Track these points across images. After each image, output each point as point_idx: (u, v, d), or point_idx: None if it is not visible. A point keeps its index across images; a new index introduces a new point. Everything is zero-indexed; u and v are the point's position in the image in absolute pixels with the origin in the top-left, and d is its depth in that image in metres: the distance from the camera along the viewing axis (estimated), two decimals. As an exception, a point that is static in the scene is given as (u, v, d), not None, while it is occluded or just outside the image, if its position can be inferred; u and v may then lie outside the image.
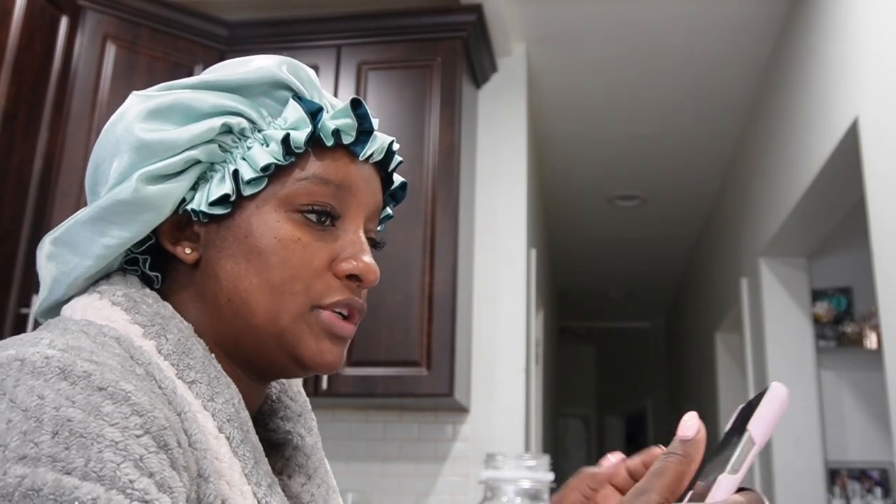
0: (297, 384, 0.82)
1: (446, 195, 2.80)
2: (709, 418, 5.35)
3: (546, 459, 0.40)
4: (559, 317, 7.24)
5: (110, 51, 2.77)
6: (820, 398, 3.67)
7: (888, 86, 2.31)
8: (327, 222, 0.69)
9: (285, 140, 0.67)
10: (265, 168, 0.67)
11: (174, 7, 2.91)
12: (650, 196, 5.10)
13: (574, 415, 8.84)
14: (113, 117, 0.70)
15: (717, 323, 5.07)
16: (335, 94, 2.90)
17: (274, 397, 0.78)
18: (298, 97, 0.70)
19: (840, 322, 3.88)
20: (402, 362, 2.66)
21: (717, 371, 5.05)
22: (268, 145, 0.68)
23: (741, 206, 4.33)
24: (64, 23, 2.66)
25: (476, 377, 3.08)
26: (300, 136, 0.68)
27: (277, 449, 0.75)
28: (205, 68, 3.24)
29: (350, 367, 2.68)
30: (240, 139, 0.69)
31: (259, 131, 0.69)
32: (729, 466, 0.49)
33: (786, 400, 0.51)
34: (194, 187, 0.68)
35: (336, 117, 0.70)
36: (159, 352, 0.64)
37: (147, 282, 0.72)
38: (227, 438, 0.63)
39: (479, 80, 3.32)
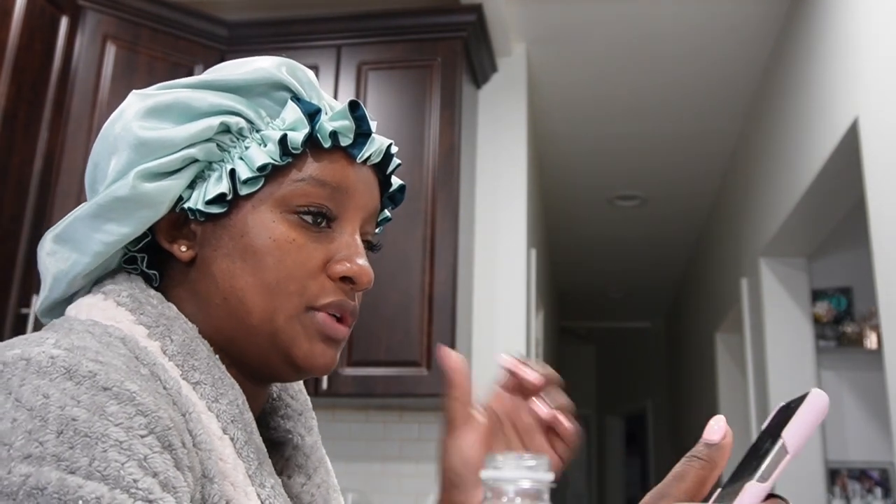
0: (297, 382, 0.82)
1: (446, 195, 2.80)
2: (709, 418, 5.33)
3: (546, 459, 0.40)
4: (559, 317, 7.24)
5: (110, 51, 2.77)
6: (820, 398, 3.66)
7: (888, 86, 2.31)
8: (323, 224, 0.69)
9: (282, 140, 0.68)
10: (262, 168, 0.67)
11: (174, 7, 2.91)
12: (650, 196, 5.10)
13: (574, 415, 8.84)
14: (112, 116, 0.70)
15: (717, 323, 5.07)
16: (335, 95, 2.90)
17: (274, 395, 0.78)
18: (297, 98, 0.70)
19: (840, 322, 3.88)
20: (402, 362, 2.66)
21: (717, 371, 5.05)
22: (265, 145, 0.68)
23: (741, 207, 4.33)
24: (64, 23, 2.66)
25: (476, 377, 3.07)
26: (297, 136, 0.68)
27: (277, 448, 0.75)
28: (205, 68, 3.23)
29: (350, 367, 2.68)
30: (238, 139, 0.69)
31: (257, 131, 0.69)
32: (758, 474, 0.47)
33: (825, 408, 0.48)
34: (191, 186, 0.68)
35: (334, 119, 0.70)
36: (164, 352, 0.65)
37: (146, 280, 0.72)
38: (232, 439, 0.63)
39: (479, 80, 3.32)
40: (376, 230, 0.77)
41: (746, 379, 4.13)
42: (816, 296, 3.91)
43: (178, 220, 0.70)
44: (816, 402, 0.49)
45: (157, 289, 0.71)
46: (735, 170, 4.49)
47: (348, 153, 0.71)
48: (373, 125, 0.72)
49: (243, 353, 0.69)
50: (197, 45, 2.94)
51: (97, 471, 0.50)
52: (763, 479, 0.47)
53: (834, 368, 3.82)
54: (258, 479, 0.63)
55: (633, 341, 8.73)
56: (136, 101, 0.69)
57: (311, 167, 0.69)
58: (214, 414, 0.63)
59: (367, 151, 0.71)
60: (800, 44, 3.17)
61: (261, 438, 0.67)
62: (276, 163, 0.68)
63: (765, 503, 0.47)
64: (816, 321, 3.83)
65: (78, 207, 0.68)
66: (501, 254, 3.26)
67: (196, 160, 0.67)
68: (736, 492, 0.47)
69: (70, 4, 2.69)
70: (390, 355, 2.67)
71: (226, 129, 0.68)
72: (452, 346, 2.68)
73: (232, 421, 0.64)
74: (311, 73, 0.73)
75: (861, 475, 3.74)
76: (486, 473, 0.41)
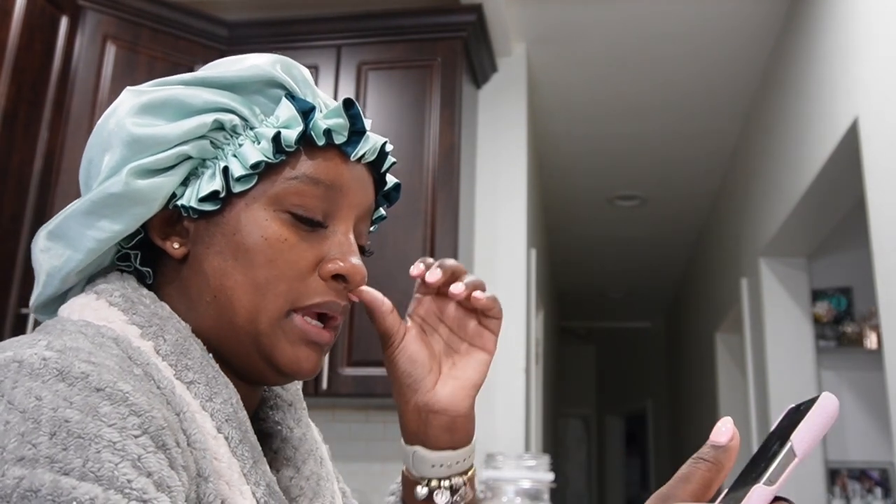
0: None
1: (446, 195, 2.79)
2: (709, 418, 5.35)
3: (546, 459, 0.40)
4: (559, 317, 7.24)
5: (110, 51, 2.77)
6: (820, 398, 3.66)
7: (888, 86, 2.31)
8: (316, 223, 0.69)
9: (276, 138, 0.67)
10: (255, 165, 0.67)
11: (174, 7, 2.90)
12: (650, 196, 5.10)
13: (574, 415, 8.84)
14: (106, 112, 0.70)
15: (717, 323, 5.07)
16: (335, 95, 2.90)
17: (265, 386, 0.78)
18: (292, 96, 0.70)
19: (840, 322, 3.88)
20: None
21: (717, 371, 5.05)
22: (259, 143, 0.68)
23: (741, 206, 4.33)
24: (64, 23, 2.66)
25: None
26: (291, 134, 0.68)
27: (265, 440, 0.75)
28: (205, 68, 3.22)
29: (350, 367, 2.68)
30: (231, 136, 0.68)
31: (251, 129, 0.69)
32: (765, 477, 0.46)
33: (835, 412, 0.48)
34: (185, 183, 0.68)
35: (328, 117, 0.70)
36: (157, 352, 0.64)
37: (139, 278, 0.72)
38: (226, 438, 0.63)
39: (479, 80, 3.32)
40: (371, 228, 0.77)
41: (746, 379, 4.13)
42: (816, 296, 3.91)
43: (172, 217, 0.69)
44: (827, 406, 0.48)
45: (150, 286, 0.71)
46: (735, 170, 4.49)
47: (342, 151, 0.71)
48: (367, 123, 0.71)
49: (230, 353, 0.69)
50: (197, 45, 2.94)
51: (91, 472, 0.50)
52: (770, 483, 0.46)
53: (834, 368, 3.82)
54: (253, 478, 0.63)
55: (633, 341, 8.73)
56: (130, 97, 0.68)
57: (305, 165, 0.69)
58: (208, 413, 0.63)
59: (361, 149, 0.71)
60: (800, 44, 3.17)
61: (256, 437, 0.67)
62: (270, 160, 0.67)
63: None
64: (816, 321, 3.83)
65: (71, 204, 0.68)
66: (501, 254, 3.26)
67: (189, 157, 0.67)
68: (743, 495, 0.47)
69: (70, 4, 2.69)
70: (390, 355, 2.67)
71: (219, 127, 0.68)
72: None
73: (226, 420, 0.64)
74: (305, 71, 0.73)
75: (861, 475, 3.74)
76: (486, 473, 0.41)
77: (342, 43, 2.99)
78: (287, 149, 0.68)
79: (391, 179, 0.77)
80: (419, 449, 0.74)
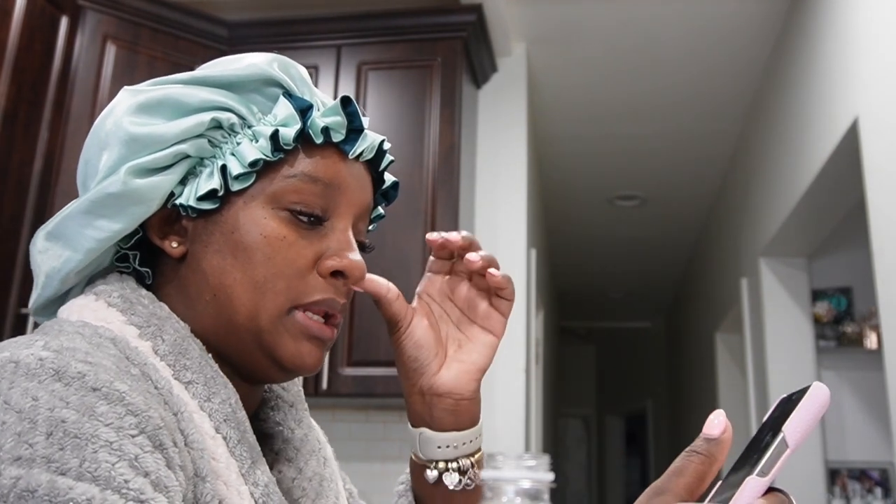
0: None
1: (446, 195, 2.79)
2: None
3: (546, 459, 0.40)
4: (559, 317, 7.24)
5: (110, 51, 2.77)
6: (820, 398, 3.66)
7: (888, 86, 2.31)
8: (314, 221, 0.69)
9: (274, 136, 0.67)
10: (253, 163, 0.67)
11: (174, 7, 2.91)
12: (650, 196, 5.10)
13: (574, 415, 8.85)
14: (103, 112, 0.70)
15: (717, 323, 5.07)
16: (335, 95, 2.90)
17: (265, 387, 0.78)
18: (289, 94, 0.70)
19: (840, 322, 3.88)
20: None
21: (717, 371, 5.05)
22: (257, 141, 0.68)
23: (741, 206, 4.33)
24: (64, 23, 2.66)
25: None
26: (289, 132, 0.68)
27: (267, 441, 0.74)
28: (205, 68, 3.21)
29: (350, 367, 2.68)
30: (229, 134, 0.68)
31: (249, 127, 0.69)
32: (758, 469, 0.46)
33: (827, 401, 0.48)
34: (183, 182, 0.68)
35: (326, 115, 0.70)
36: (155, 352, 0.64)
37: (139, 278, 0.71)
38: (224, 439, 0.63)
39: (479, 80, 3.32)
40: (370, 227, 0.77)
41: (746, 379, 4.13)
42: (816, 296, 3.91)
43: (170, 216, 0.69)
44: (818, 396, 0.48)
45: (149, 287, 0.71)
46: (735, 170, 4.49)
47: (340, 149, 0.71)
48: (365, 121, 0.71)
49: (232, 352, 0.69)
50: (197, 45, 2.94)
51: (88, 472, 0.50)
52: (763, 474, 0.46)
53: (834, 368, 3.82)
54: (251, 478, 0.63)
55: (633, 341, 8.73)
56: (128, 97, 0.68)
57: (303, 163, 0.69)
58: (206, 413, 0.63)
59: (359, 147, 0.71)
60: (800, 44, 3.17)
61: (255, 437, 0.67)
62: (268, 158, 0.67)
63: (765, 497, 0.46)
64: (816, 321, 3.83)
65: (69, 204, 0.68)
66: (501, 254, 3.26)
67: (187, 156, 0.67)
68: (736, 486, 0.47)
69: (70, 4, 2.69)
70: (390, 355, 2.65)
71: (217, 125, 0.68)
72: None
73: (224, 420, 0.64)
74: (303, 70, 0.73)
75: (861, 475, 3.74)
76: (486, 473, 0.41)
77: (342, 43, 2.99)
78: (285, 147, 0.68)
79: (389, 178, 0.77)
80: (425, 430, 0.74)
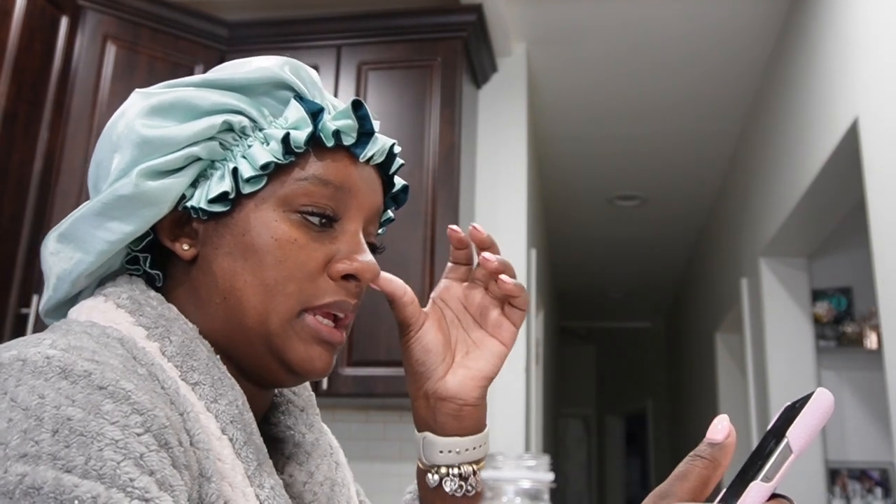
0: None
1: (446, 195, 2.80)
2: (709, 418, 5.34)
3: (546, 459, 0.40)
4: (559, 317, 7.24)
5: (110, 51, 2.77)
6: (820, 398, 3.66)
7: (888, 86, 2.31)
8: (325, 223, 0.69)
9: (285, 139, 0.67)
10: (265, 166, 0.67)
11: (174, 7, 2.91)
12: (650, 196, 5.10)
13: (574, 415, 8.84)
14: (115, 114, 0.70)
15: (717, 323, 5.07)
16: (335, 95, 2.90)
17: (276, 391, 0.78)
18: (300, 97, 0.70)
19: (840, 322, 3.88)
20: (402, 362, 2.66)
21: (717, 371, 5.05)
22: (268, 144, 0.68)
23: (741, 206, 4.33)
24: (64, 23, 2.66)
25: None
26: (300, 135, 0.68)
27: (278, 445, 0.75)
28: (205, 68, 3.22)
29: (350, 367, 2.68)
30: (240, 137, 0.68)
31: (260, 130, 0.69)
32: (762, 474, 0.46)
33: (831, 407, 0.48)
34: (194, 184, 0.68)
35: (337, 118, 0.70)
36: (163, 353, 0.64)
37: (149, 281, 0.72)
38: (230, 440, 0.63)
39: (479, 80, 3.32)
40: (379, 231, 0.77)
41: (746, 379, 4.13)
42: (816, 296, 3.91)
43: (181, 218, 0.70)
44: (822, 402, 0.48)
45: (160, 289, 0.71)
46: (735, 170, 4.49)
47: (351, 152, 0.71)
48: (376, 125, 0.71)
49: (241, 354, 0.69)
50: (197, 45, 2.94)
51: (93, 470, 0.50)
52: (767, 479, 0.46)
53: (834, 368, 3.82)
54: (257, 480, 0.63)
55: (633, 341, 8.73)
56: (140, 99, 0.69)
57: (314, 166, 0.69)
58: (213, 414, 0.63)
59: (369, 151, 0.71)
60: (800, 44, 3.18)
61: (261, 439, 0.67)
62: (279, 161, 0.68)
63: (769, 503, 0.46)
64: (816, 321, 3.83)
65: (81, 206, 0.68)
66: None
67: (199, 158, 0.67)
68: (740, 491, 0.47)
69: (70, 4, 2.69)
70: (390, 355, 2.67)
71: (229, 128, 0.68)
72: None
73: (231, 421, 0.64)
74: (313, 73, 0.73)
75: (861, 475, 3.74)
76: (486, 473, 0.41)
77: (342, 43, 2.99)
78: (296, 150, 0.68)
79: (399, 181, 0.77)
80: (428, 434, 0.74)
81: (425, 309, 0.77)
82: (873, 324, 3.68)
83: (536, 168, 4.19)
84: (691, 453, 0.52)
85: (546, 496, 0.40)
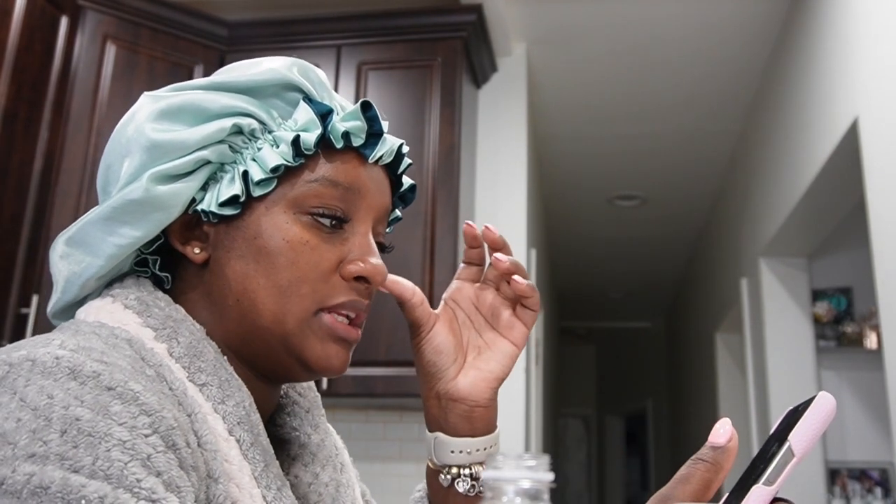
0: None
1: (446, 195, 2.80)
2: (709, 418, 5.35)
3: (546, 459, 0.40)
4: (559, 317, 7.24)
5: (110, 51, 2.77)
6: (820, 398, 3.66)
7: (888, 86, 2.31)
8: (336, 224, 0.69)
9: (295, 141, 0.68)
10: (275, 169, 0.67)
11: (174, 7, 2.91)
12: (650, 196, 5.10)
13: (574, 415, 8.85)
14: (124, 118, 0.70)
15: (717, 323, 5.07)
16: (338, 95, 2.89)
17: (282, 392, 0.78)
18: (309, 99, 0.70)
19: (840, 322, 3.88)
20: (402, 362, 2.66)
21: (717, 371, 5.05)
22: (278, 146, 0.68)
23: (741, 206, 4.33)
24: (64, 23, 2.66)
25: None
26: (310, 137, 0.68)
27: (283, 446, 0.75)
28: (205, 68, 3.21)
29: (350, 367, 2.66)
30: (250, 140, 0.69)
31: (269, 132, 0.69)
32: (764, 478, 0.47)
33: (833, 411, 0.48)
34: (204, 187, 0.68)
35: (346, 119, 0.70)
36: (171, 354, 0.65)
37: (158, 283, 0.72)
38: (238, 441, 0.63)
39: (479, 80, 3.32)
40: (387, 230, 0.77)
41: (746, 379, 4.13)
42: (816, 296, 3.91)
43: (191, 221, 0.70)
44: (824, 406, 0.48)
45: (169, 291, 0.71)
46: (735, 170, 4.49)
47: (360, 153, 0.71)
48: (385, 125, 0.72)
49: (256, 354, 0.69)
50: (197, 45, 2.94)
51: (101, 470, 0.50)
52: (769, 483, 0.47)
53: (834, 368, 3.82)
54: (264, 482, 0.63)
55: (633, 341, 8.73)
56: (149, 102, 0.69)
57: (324, 168, 0.69)
58: (220, 415, 0.64)
59: (378, 151, 0.71)
60: (800, 44, 3.18)
61: (268, 440, 0.67)
62: (289, 163, 0.68)
63: None
64: (816, 321, 3.83)
65: (90, 211, 0.68)
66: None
67: (209, 162, 0.67)
68: (742, 495, 0.47)
69: (70, 4, 2.69)
70: (390, 355, 2.67)
71: (238, 131, 0.68)
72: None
73: (238, 423, 0.64)
74: (322, 74, 0.73)
75: (861, 475, 3.74)
76: (486, 473, 0.41)
77: (342, 43, 2.99)
78: (306, 152, 0.68)
79: (407, 181, 0.77)
80: (440, 435, 0.75)
81: (437, 310, 0.77)
82: (873, 324, 3.69)
83: (536, 168, 4.19)
84: (693, 457, 0.52)
85: (546, 496, 0.40)
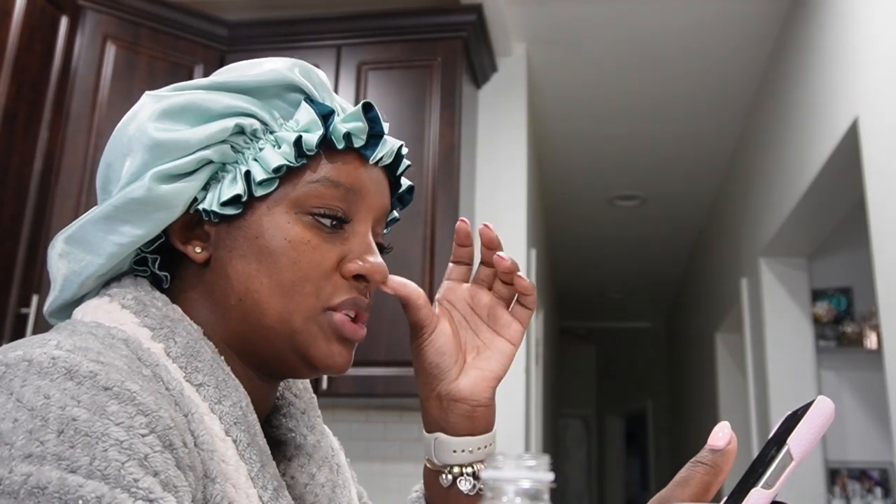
0: (301, 380, 0.82)
1: (446, 195, 2.80)
2: (709, 418, 5.35)
3: (546, 459, 0.40)
4: (559, 317, 7.24)
5: (110, 51, 2.77)
6: (820, 398, 3.66)
7: (888, 86, 2.31)
8: (336, 224, 0.70)
9: (297, 142, 0.68)
10: (277, 169, 0.68)
11: (174, 7, 2.91)
12: (650, 196, 5.10)
13: (574, 415, 8.84)
14: (126, 117, 0.70)
15: (717, 323, 5.07)
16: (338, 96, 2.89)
17: (278, 394, 0.78)
18: (310, 100, 0.71)
19: (840, 322, 3.88)
20: (402, 362, 2.66)
21: (717, 371, 5.05)
22: (280, 147, 0.69)
23: (741, 206, 4.33)
24: (64, 23, 2.66)
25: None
26: (312, 138, 0.68)
27: (279, 447, 0.75)
28: (205, 68, 3.21)
29: (350, 367, 2.68)
30: (252, 140, 0.69)
31: (271, 133, 0.69)
32: (763, 481, 0.47)
33: (832, 415, 0.49)
34: (206, 187, 0.69)
35: (347, 120, 0.70)
36: (167, 354, 0.65)
37: (156, 282, 0.72)
38: (234, 441, 0.63)
39: (479, 80, 3.32)
40: (385, 231, 0.77)
41: (746, 379, 4.13)
42: (816, 296, 3.91)
43: (193, 221, 0.70)
44: (822, 409, 0.49)
45: (168, 290, 0.71)
46: (735, 170, 4.49)
47: (361, 154, 0.71)
48: (385, 127, 0.72)
49: (258, 353, 0.70)
50: (197, 45, 2.94)
51: (98, 470, 0.50)
52: (768, 486, 0.47)
53: (834, 368, 3.82)
54: (260, 482, 0.64)
55: (633, 341, 8.73)
56: (151, 102, 0.69)
57: (325, 168, 0.70)
58: (217, 415, 0.64)
59: (379, 153, 0.72)
60: (800, 44, 3.18)
61: (265, 440, 0.67)
62: (291, 164, 0.68)
63: None
64: (816, 321, 3.83)
65: (91, 210, 0.68)
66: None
67: (211, 162, 0.68)
68: (741, 498, 0.47)
69: (70, 4, 2.69)
70: (390, 355, 2.67)
71: (240, 131, 0.68)
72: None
73: (235, 423, 0.64)
74: (323, 75, 0.73)
75: (861, 475, 3.74)
76: (486, 473, 0.41)
77: (342, 43, 2.99)
78: (308, 152, 0.68)
79: (405, 182, 0.78)
80: (440, 435, 0.75)
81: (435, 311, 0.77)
82: (873, 324, 3.68)
83: (536, 168, 4.19)
84: (692, 459, 0.52)
85: (546, 496, 0.40)
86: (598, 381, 9.14)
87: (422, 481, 0.81)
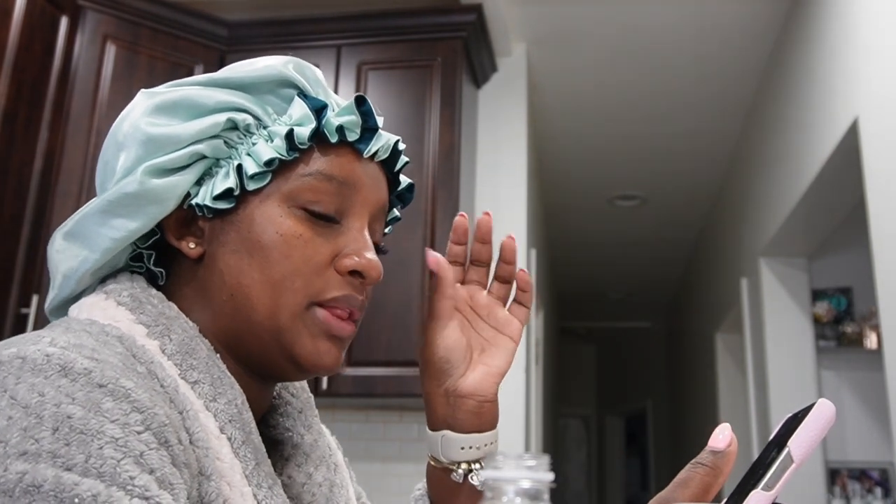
0: None
1: (446, 195, 2.80)
2: (709, 418, 5.35)
3: (546, 459, 0.40)
4: (559, 317, 7.24)
5: (110, 51, 2.77)
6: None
7: (888, 86, 2.31)
8: (330, 219, 0.70)
9: (289, 135, 0.68)
10: (269, 163, 0.68)
11: (174, 7, 2.91)
12: (650, 196, 5.10)
13: (574, 415, 8.85)
14: (121, 115, 0.71)
15: (717, 323, 5.07)
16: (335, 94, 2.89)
17: (275, 393, 0.78)
18: (304, 95, 0.71)
19: (840, 322, 3.88)
20: (402, 362, 2.66)
21: (717, 371, 5.05)
22: (272, 141, 0.69)
23: (741, 206, 4.33)
24: (64, 23, 2.66)
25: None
26: (304, 131, 0.68)
27: (277, 447, 0.75)
28: (205, 68, 3.21)
29: (350, 367, 2.68)
30: (245, 135, 0.69)
31: (264, 128, 0.69)
32: (763, 483, 0.47)
33: (832, 418, 0.49)
34: (199, 182, 0.69)
35: (341, 114, 0.70)
36: (163, 352, 0.65)
37: (152, 278, 0.72)
38: (229, 439, 0.63)
39: (479, 80, 3.32)
40: (386, 230, 0.77)
41: (746, 379, 4.13)
42: (816, 296, 3.91)
43: (186, 216, 0.70)
44: (823, 412, 0.49)
45: (164, 287, 0.71)
46: (735, 170, 4.49)
47: (355, 148, 0.71)
48: (379, 121, 0.72)
49: (248, 351, 0.69)
50: (197, 45, 2.94)
51: (93, 468, 0.50)
52: (768, 488, 0.47)
53: (834, 368, 3.82)
54: (255, 480, 0.63)
55: (632, 341, 8.73)
56: (144, 98, 0.69)
57: (318, 162, 0.69)
58: (212, 413, 0.63)
59: (373, 146, 0.72)
60: (800, 44, 3.18)
61: (260, 438, 0.67)
62: (283, 157, 0.68)
63: None
64: (816, 321, 3.83)
65: (87, 204, 0.68)
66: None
67: (203, 156, 0.68)
68: (741, 500, 0.47)
69: (70, 4, 2.69)
70: (390, 355, 2.67)
71: (233, 126, 0.68)
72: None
73: (230, 420, 0.64)
74: (318, 71, 0.73)
75: (861, 475, 3.74)
76: (486, 473, 0.41)
77: (342, 43, 2.99)
78: (300, 146, 0.68)
79: (405, 180, 0.78)
80: (447, 432, 0.76)
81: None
82: (873, 324, 3.68)
83: (536, 168, 4.19)
84: (693, 461, 0.52)
85: (546, 496, 0.40)
86: (598, 381, 9.14)
87: (424, 480, 0.81)
